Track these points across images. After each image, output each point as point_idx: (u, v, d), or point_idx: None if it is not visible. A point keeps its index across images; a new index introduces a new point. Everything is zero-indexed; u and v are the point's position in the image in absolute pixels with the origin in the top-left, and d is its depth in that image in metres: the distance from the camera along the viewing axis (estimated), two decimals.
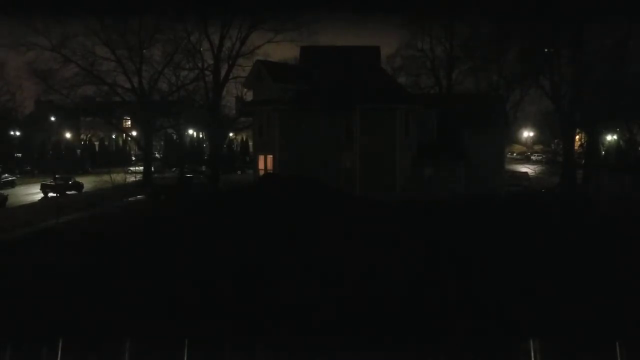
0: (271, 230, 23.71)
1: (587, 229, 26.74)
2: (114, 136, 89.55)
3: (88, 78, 52.22)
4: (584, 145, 50.37)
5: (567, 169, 45.96)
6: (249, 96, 47.64)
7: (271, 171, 37.51)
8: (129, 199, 43.69)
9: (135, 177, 51.53)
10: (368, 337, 15.09)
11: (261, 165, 39.21)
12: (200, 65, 51.89)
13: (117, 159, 71.24)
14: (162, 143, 72.63)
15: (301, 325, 15.89)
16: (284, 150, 37.32)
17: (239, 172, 62.52)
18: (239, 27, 49.85)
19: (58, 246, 25.54)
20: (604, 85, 41.96)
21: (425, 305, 17.29)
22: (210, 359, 13.73)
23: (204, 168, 55.41)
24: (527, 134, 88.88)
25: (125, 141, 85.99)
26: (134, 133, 68.23)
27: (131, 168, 57.75)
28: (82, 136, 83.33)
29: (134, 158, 79.88)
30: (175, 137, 63.35)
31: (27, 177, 62.78)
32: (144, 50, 52.34)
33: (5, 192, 45.66)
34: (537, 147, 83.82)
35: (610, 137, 62.79)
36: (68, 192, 48.54)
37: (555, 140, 55.73)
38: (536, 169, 53.41)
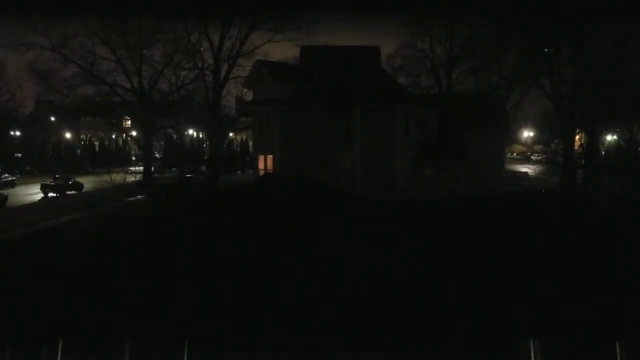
0: (271, 230, 23.71)
1: (587, 229, 26.74)
2: (114, 136, 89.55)
3: (88, 78, 52.25)
4: (584, 145, 50.36)
5: (567, 169, 45.95)
6: (249, 96, 47.67)
7: (271, 171, 37.51)
8: (129, 199, 43.71)
9: (135, 177, 51.57)
10: (368, 337, 15.09)
11: (261, 165, 39.22)
12: (200, 65, 51.96)
13: (117, 159, 71.25)
14: (162, 143, 72.63)
15: (301, 325, 15.89)
16: (284, 150, 37.33)
17: (239, 172, 62.53)
18: (239, 27, 49.94)
19: (58, 246, 25.54)
20: (604, 85, 41.95)
21: (425, 305, 17.28)
22: (210, 359, 13.73)
23: (204, 168, 55.43)
24: (527, 134, 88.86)
25: (125, 141, 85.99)
26: (134, 133, 68.24)
27: (131, 168, 57.81)
28: (82, 136, 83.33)
29: (134, 158, 79.89)
30: (175, 137, 63.37)
31: (27, 177, 62.78)
32: (144, 50, 52.38)
33: (5, 192, 45.66)
34: (537, 147, 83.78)
35: (610, 137, 62.79)
36: (68, 192, 48.54)
37: (555, 140, 55.72)
38: (536, 169, 53.41)
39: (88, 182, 52.07)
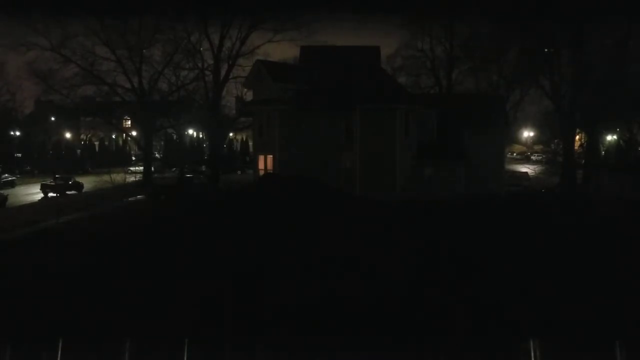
0: (271, 230, 23.71)
1: (587, 229, 26.74)
2: (114, 136, 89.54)
3: (88, 78, 52.27)
4: (584, 145, 50.37)
5: (567, 169, 45.97)
6: (249, 96, 47.70)
7: (271, 171, 37.52)
8: (129, 199, 43.72)
9: (135, 177, 51.63)
10: (368, 337, 15.08)
11: (261, 165, 39.22)
12: (200, 65, 52.01)
13: (117, 159, 71.30)
14: (162, 143, 72.63)
15: (301, 325, 15.89)
16: (284, 150, 37.34)
17: (239, 172, 62.55)
18: (239, 27, 49.99)
19: (58, 246, 25.54)
20: (604, 85, 41.97)
21: (425, 305, 17.27)
22: (210, 359, 13.72)
23: (204, 168, 55.44)
24: (527, 134, 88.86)
25: (125, 141, 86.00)
26: (134, 133, 68.24)
27: (131, 168, 57.86)
28: (82, 136, 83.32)
29: (134, 158, 79.89)
30: (175, 137, 63.38)
31: (27, 177, 62.81)
32: (144, 50, 52.39)
33: (5, 192, 45.67)
34: (537, 147, 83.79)
35: (610, 137, 62.79)
36: (68, 192, 48.57)
37: (555, 140, 55.72)
38: (536, 169, 53.45)
39: (88, 182, 52.09)
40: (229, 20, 49.48)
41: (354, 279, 19.09)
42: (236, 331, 15.51)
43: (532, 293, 18.46)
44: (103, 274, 20.36)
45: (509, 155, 66.93)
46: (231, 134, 75.20)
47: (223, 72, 51.71)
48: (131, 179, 50.17)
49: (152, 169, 55.83)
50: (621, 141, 59.86)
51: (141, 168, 56.20)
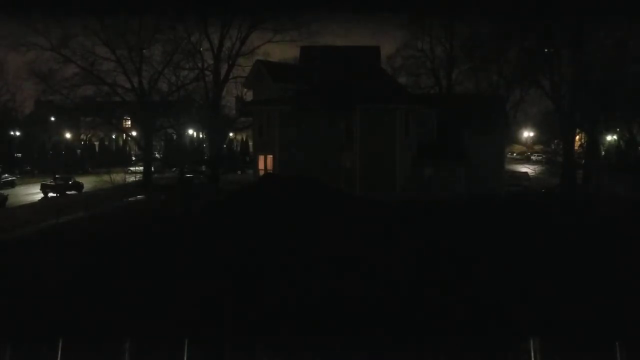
0: (271, 230, 23.71)
1: (587, 229, 26.74)
2: (114, 136, 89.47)
3: (88, 78, 52.17)
4: (584, 145, 50.36)
5: (567, 169, 45.94)
6: (249, 96, 47.69)
7: (271, 171, 37.52)
8: (129, 199, 43.70)
9: (135, 177, 51.59)
10: (368, 337, 15.08)
11: (261, 165, 39.23)
12: (200, 65, 51.94)
13: (117, 159, 71.22)
14: (162, 143, 72.58)
15: (301, 325, 15.89)
16: (284, 150, 37.34)
17: (239, 172, 62.53)
18: (239, 27, 49.91)
19: (58, 246, 25.54)
20: (604, 85, 41.95)
21: (425, 305, 17.28)
22: (210, 359, 13.73)
23: (204, 168, 55.41)
24: (527, 134, 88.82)
25: (125, 141, 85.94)
26: (134, 133, 68.20)
27: (131, 168, 57.82)
28: (82, 136, 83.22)
29: (134, 158, 79.83)
30: (175, 137, 63.32)
31: (27, 177, 62.80)
32: (144, 50, 52.31)
33: (5, 192, 45.67)
34: (537, 147, 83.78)
35: (610, 137, 62.78)
36: (68, 192, 48.56)
37: (555, 140, 55.71)
38: (536, 169, 53.45)
39: (88, 182, 52.07)
40: (229, 20, 49.46)
41: (354, 279, 19.09)
42: (236, 331, 15.51)
43: (532, 293, 18.47)
44: (103, 274, 20.37)
45: (509, 155, 66.92)
46: (231, 134, 75.14)
47: (223, 72, 51.69)
48: (131, 179, 50.15)
49: (152, 169, 55.79)
50: (621, 141, 59.86)
51: (141, 168, 56.16)
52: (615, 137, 62.06)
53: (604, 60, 44.43)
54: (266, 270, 19.95)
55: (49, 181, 49.75)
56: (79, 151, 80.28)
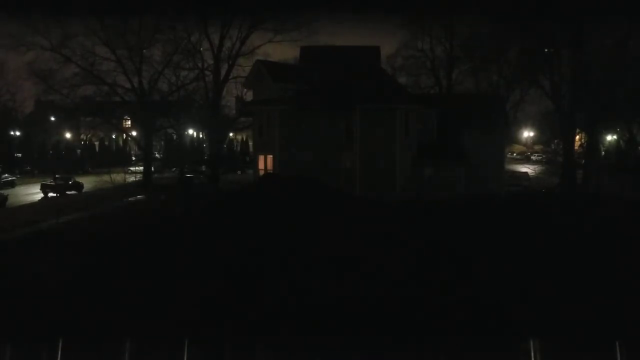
0: (271, 230, 23.71)
1: (587, 229, 26.73)
2: (114, 136, 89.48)
3: (88, 78, 52.17)
4: (584, 145, 50.37)
5: (567, 169, 45.96)
6: (249, 96, 47.69)
7: (271, 171, 37.52)
8: (129, 199, 43.71)
9: (135, 177, 51.60)
10: (368, 337, 15.08)
11: (261, 165, 39.23)
12: (200, 65, 51.96)
13: (117, 159, 71.24)
14: (162, 143, 72.60)
15: (301, 325, 15.89)
16: (284, 150, 37.35)
17: (239, 172, 62.56)
18: (239, 27, 49.93)
19: (58, 246, 25.53)
20: (604, 85, 41.96)
21: (425, 305, 17.27)
22: (210, 359, 13.73)
23: (204, 168, 55.42)
24: (527, 134, 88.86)
25: (125, 141, 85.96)
26: (134, 133, 68.21)
27: (131, 168, 57.82)
28: (82, 136, 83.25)
29: (134, 158, 79.85)
30: (175, 137, 63.33)
31: (27, 177, 62.83)
32: (144, 50, 52.31)
33: (5, 192, 45.68)
34: (537, 147, 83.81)
35: (610, 137, 62.79)
36: (68, 192, 48.57)
37: (555, 140, 55.73)
38: (536, 169, 53.45)
39: (88, 182, 52.10)
40: (229, 20, 49.48)
41: (354, 279, 19.09)
42: (236, 331, 15.51)
43: (532, 293, 18.46)
44: (103, 274, 20.36)
45: (509, 155, 66.92)
46: (231, 134, 75.15)
47: (223, 72, 51.71)
48: (131, 179, 50.17)
49: (152, 169, 55.81)
50: (621, 141, 59.86)
51: (141, 168, 56.16)
52: (615, 137, 62.09)
53: (604, 60, 44.43)
54: (266, 270, 19.95)
55: (49, 181, 49.76)
56: (79, 151, 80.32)
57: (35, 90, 56.64)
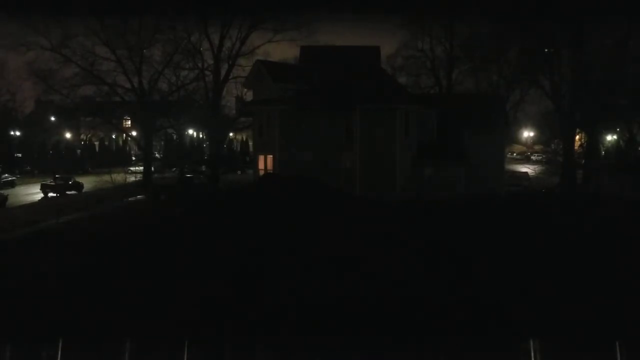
0: (271, 230, 23.71)
1: (587, 229, 26.73)
2: (114, 136, 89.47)
3: (88, 78, 52.16)
4: (584, 145, 50.38)
5: (567, 169, 45.96)
6: (249, 96, 47.67)
7: (271, 171, 37.52)
8: (129, 199, 43.71)
9: (135, 177, 51.57)
10: (368, 337, 15.08)
11: (261, 165, 39.22)
12: (200, 65, 51.94)
13: (117, 159, 71.24)
14: (162, 143, 72.59)
15: (301, 325, 15.89)
16: (284, 150, 37.34)
17: (239, 172, 62.55)
18: (239, 27, 49.90)
19: (58, 246, 25.54)
20: (604, 85, 41.96)
21: (425, 305, 17.28)
22: (210, 359, 13.73)
23: (204, 168, 55.42)
24: (527, 134, 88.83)
25: (125, 141, 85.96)
26: (134, 133, 68.21)
27: (131, 168, 57.77)
28: (82, 136, 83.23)
29: (134, 158, 79.85)
30: (175, 137, 63.33)
31: (27, 177, 62.79)
32: (144, 50, 52.31)
33: (5, 192, 45.65)
34: (537, 147, 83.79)
35: (610, 137, 62.78)
36: (68, 192, 48.55)
37: (555, 140, 55.72)
38: (536, 169, 53.42)
39: (88, 182, 52.08)
40: (229, 20, 49.46)
41: (354, 279, 19.09)
42: (236, 331, 15.51)
43: (532, 293, 18.46)
44: (103, 274, 20.37)
45: (509, 155, 66.92)
46: (231, 134, 75.15)
47: (223, 72, 51.69)
48: (131, 179, 50.15)
49: (152, 169, 55.79)
50: (621, 141, 59.85)
51: (141, 168, 56.13)
52: (615, 137, 62.07)
53: (604, 60, 44.44)
54: (266, 270, 19.95)
55: (49, 181, 49.74)
56: (79, 151, 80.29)
57: (35, 90, 56.65)
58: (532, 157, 76.69)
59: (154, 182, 50.00)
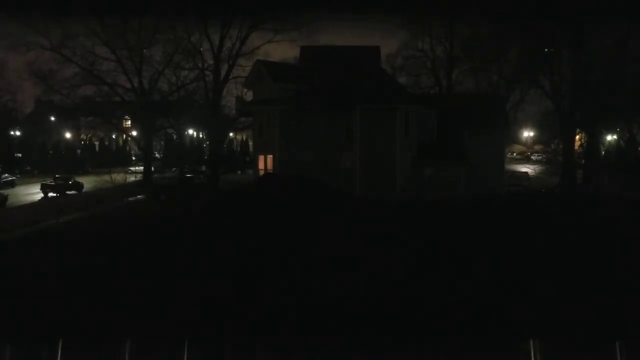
0: (271, 230, 23.71)
1: (587, 229, 26.73)
2: (114, 136, 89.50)
3: (88, 78, 52.24)
4: (584, 145, 50.38)
5: (567, 169, 45.96)
6: (249, 96, 47.69)
7: (271, 171, 37.52)
8: (129, 199, 43.71)
9: (135, 177, 51.59)
10: (368, 337, 15.08)
11: (261, 165, 39.23)
12: (200, 65, 51.97)
13: (117, 159, 71.29)
14: (162, 143, 72.61)
15: (301, 325, 15.89)
16: (284, 150, 37.34)
17: (239, 172, 62.56)
18: (239, 27, 49.93)
19: (58, 246, 25.53)
20: (604, 85, 41.96)
21: (425, 305, 17.27)
22: (210, 359, 13.73)
23: (204, 168, 55.43)
24: (527, 134, 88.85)
25: (125, 141, 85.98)
26: (134, 133, 68.23)
27: (131, 168, 57.81)
28: (82, 136, 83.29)
29: (134, 158, 79.87)
30: (175, 137, 63.35)
31: (27, 177, 62.80)
32: (144, 50, 52.37)
33: (5, 192, 45.65)
34: (537, 147, 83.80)
35: (610, 137, 62.75)
36: (68, 192, 48.56)
37: (555, 140, 55.73)
38: (536, 169, 53.44)
39: (88, 182, 52.09)
40: (229, 20, 49.47)
41: (354, 279, 19.09)
42: (236, 331, 15.51)
43: (532, 293, 18.46)
44: (103, 274, 20.36)
45: (509, 155, 66.92)
46: (231, 134, 75.15)
47: (223, 72, 51.71)
48: (131, 179, 50.17)
49: (152, 169, 55.81)
50: (621, 141, 59.83)
51: (141, 168, 56.18)
52: (615, 137, 62.05)
53: (604, 60, 44.44)
54: (266, 270, 19.95)
55: (49, 181, 49.74)
56: (79, 151, 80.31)
57: (35, 90, 56.83)
58: (532, 157, 76.71)
59: (154, 182, 50.02)
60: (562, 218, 29.28)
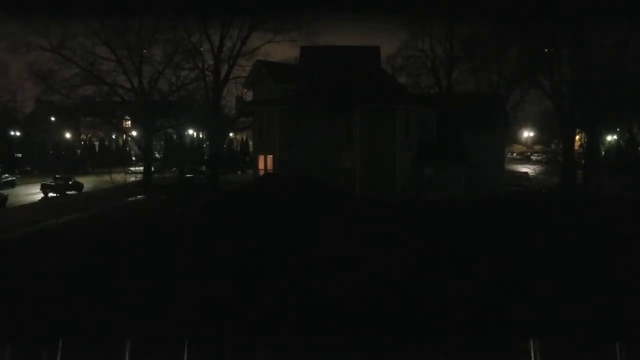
0: (271, 230, 23.71)
1: (587, 229, 26.73)
2: (114, 136, 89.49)
3: (88, 78, 52.18)
4: (584, 145, 50.37)
5: (567, 169, 45.96)
6: (249, 96, 47.66)
7: (271, 171, 37.52)
8: (129, 199, 43.71)
9: (135, 177, 51.60)
10: (368, 337, 15.08)
11: (261, 165, 39.22)
12: (200, 65, 51.96)
13: (117, 159, 71.28)
14: (162, 143, 72.60)
15: (301, 325, 15.89)
16: (284, 150, 37.33)
17: (239, 172, 62.56)
18: (239, 27, 49.93)
19: (58, 246, 25.54)
20: (604, 85, 41.96)
21: (425, 305, 17.27)
22: (210, 359, 13.73)
23: (204, 168, 55.42)
24: (527, 134, 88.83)
25: (125, 141, 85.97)
26: (134, 133, 68.22)
27: (131, 168, 57.81)
28: (82, 136, 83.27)
29: (134, 158, 79.87)
30: (175, 137, 63.34)
31: (27, 177, 62.82)
32: (144, 50, 52.33)
33: (5, 192, 45.67)
34: (537, 147, 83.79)
35: (610, 137, 62.78)
36: (68, 192, 48.57)
37: (555, 140, 55.75)
38: (536, 169, 53.44)
39: (88, 182, 52.11)
40: (229, 20, 49.47)
41: (354, 279, 19.09)
42: (236, 331, 15.51)
43: (532, 293, 18.46)
44: (103, 274, 20.37)
45: (509, 155, 66.91)
46: (231, 134, 75.15)
47: (223, 73, 51.71)
48: (131, 179, 50.18)
49: (152, 169, 55.81)
50: (621, 141, 59.86)
51: (141, 168, 56.16)
52: (615, 137, 62.08)
53: (604, 60, 44.44)
54: (266, 270, 19.95)
55: (49, 181, 49.76)
56: (79, 151, 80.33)
57: (36, 90, 56.75)
58: (532, 157, 76.68)
59: (154, 182, 50.01)
60: (562, 218, 29.28)
